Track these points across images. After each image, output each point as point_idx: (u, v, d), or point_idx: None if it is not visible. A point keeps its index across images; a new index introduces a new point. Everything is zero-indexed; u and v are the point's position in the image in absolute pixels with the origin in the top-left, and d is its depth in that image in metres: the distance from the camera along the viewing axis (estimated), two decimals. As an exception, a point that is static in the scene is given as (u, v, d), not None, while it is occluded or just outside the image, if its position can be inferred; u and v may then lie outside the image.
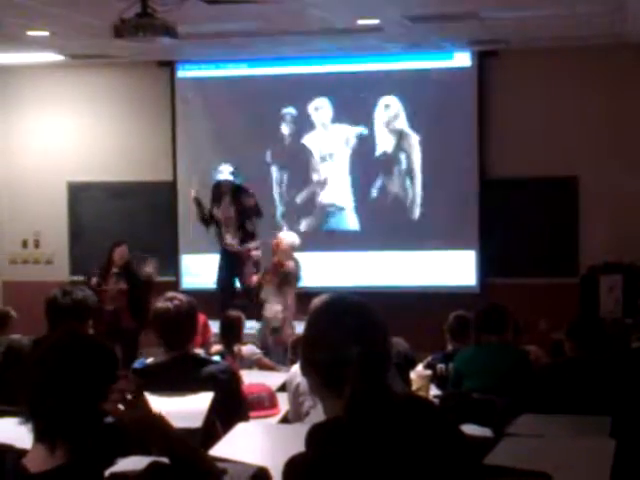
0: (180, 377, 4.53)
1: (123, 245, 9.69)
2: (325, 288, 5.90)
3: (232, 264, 10.03)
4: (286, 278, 9.09)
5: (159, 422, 2.57)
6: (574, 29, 9.37)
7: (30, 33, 9.12)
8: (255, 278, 9.56)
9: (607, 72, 10.59)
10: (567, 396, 4.59)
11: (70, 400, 2.32)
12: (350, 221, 11.26)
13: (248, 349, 7.28)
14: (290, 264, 9.16)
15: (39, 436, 2.32)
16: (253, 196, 10.03)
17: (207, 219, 10.14)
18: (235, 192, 9.99)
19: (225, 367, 4.84)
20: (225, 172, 10.03)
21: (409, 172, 11.11)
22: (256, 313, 9.51)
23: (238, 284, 10.16)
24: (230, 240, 9.97)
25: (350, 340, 2.28)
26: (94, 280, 9.41)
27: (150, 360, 5.08)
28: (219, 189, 10.06)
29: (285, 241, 9.25)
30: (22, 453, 2.33)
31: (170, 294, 4.88)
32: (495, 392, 5.40)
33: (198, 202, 10.08)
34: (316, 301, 2.47)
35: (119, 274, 9.58)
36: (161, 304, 4.72)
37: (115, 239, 9.87)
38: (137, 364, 5.24)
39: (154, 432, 2.51)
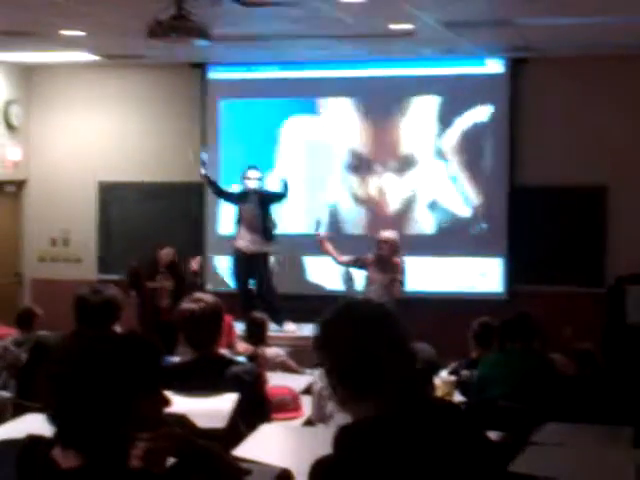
0: (205, 377, 4.54)
1: (166, 248, 9.88)
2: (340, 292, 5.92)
3: (246, 267, 10.11)
4: (400, 280, 9.25)
5: (182, 428, 2.54)
6: (608, 37, 9.32)
7: (64, 33, 9.18)
8: None
9: None
10: (593, 407, 4.57)
11: (86, 414, 2.18)
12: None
13: (272, 351, 7.29)
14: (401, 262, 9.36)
15: (55, 437, 2.23)
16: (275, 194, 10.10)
17: (222, 192, 10.35)
18: (263, 197, 10.05)
19: (249, 368, 4.86)
20: (253, 179, 10.06)
21: (439, 177, 11.10)
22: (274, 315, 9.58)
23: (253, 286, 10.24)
24: (249, 240, 10.00)
25: (384, 346, 2.30)
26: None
27: (176, 359, 5.10)
28: (245, 194, 10.09)
29: (396, 239, 9.35)
30: (53, 445, 2.23)
31: (196, 295, 4.89)
32: (519, 399, 5.39)
33: (208, 180, 10.25)
34: (334, 310, 2.45)
35: (165, 273, 9.75)
36: (187, 305, 4.75)
37: (143, 239, 10.00)
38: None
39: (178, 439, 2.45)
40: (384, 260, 9.27)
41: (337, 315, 2.41)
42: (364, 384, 2.29)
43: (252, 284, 10.21)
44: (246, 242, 10.03)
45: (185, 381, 4.47)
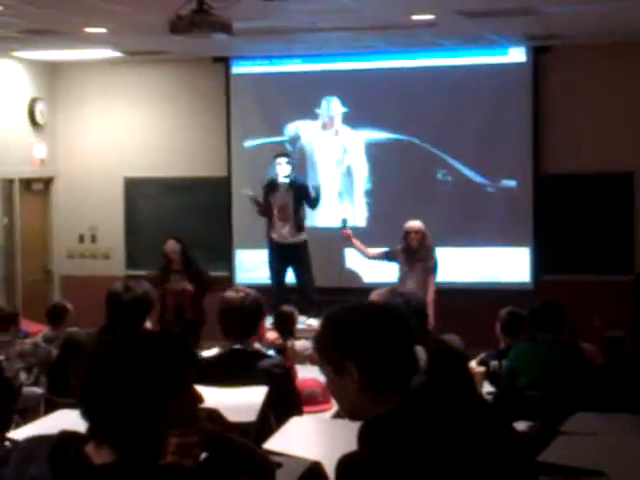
0: (235, 370, 4.57)
1: (170, 240, 9.76)
2: (375, 284, 5.91)
3: (283, 257, 10.07)
4: (433, 268, 9.36)
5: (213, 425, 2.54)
6: (631, 24, 9.27)
7: (88, 30, 9.22)
8: None
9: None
10: (627, 397, 4.54)
11: (121, 410, 2.19)
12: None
13: (301, 344, 7.30)
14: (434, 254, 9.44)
15: (89, 434, 2.24)
16: (311, 188, 10.05)
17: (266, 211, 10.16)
18: (295, 187, 10.02)
19: (279, 361, 4.88)
20: (283, 166, 10.00)
21: (463, 167, 11.07)
22: (311, 308, 9.56)
23: (293, 278, 10.20)
24: (282, 231, 9.97)
25: (402, 339, 2.30)
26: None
27: (207, 352, 5.14)
28: (275, 183, 10.07)
29: (423, 228, 9.38)
30: (86, 441, 2.24)
31: (240, 287, 4.95)
32: (549, 389, 5.37)
33: (255, 200, 10.10)
34: (342, 308, 2.41)
35: (180, 271, 9.67)
36: (230, 295, 4.79)
37: (170, 234, 9.96)
38: None
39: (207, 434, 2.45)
40: (414, 251, 9.29)
41: (350, 312, 2.39)
42: (389, 379, 2.28)
43: (288, 276, 10.18)
44: (280, 233, 9.99)
45: (217, 374, 4.51)
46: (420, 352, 2.70)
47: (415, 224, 9.46)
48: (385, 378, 2.28)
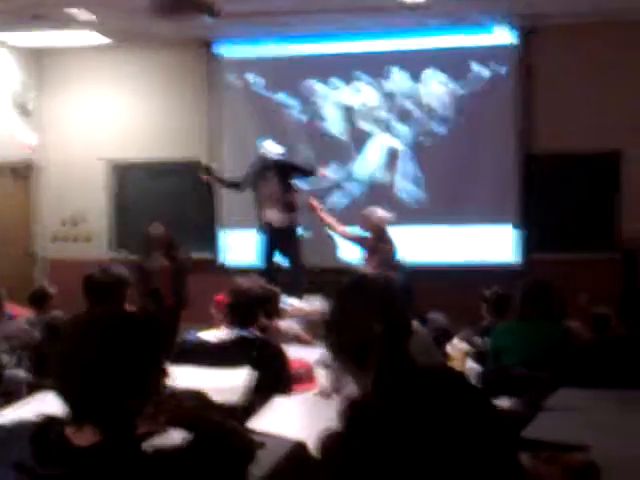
0: (232, 356, 4.63)
1: (154, 224, 9.74)
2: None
3: (274, 240, 10.05)
4: (388, 258, 9.13)
5: (194, 405, 2.56)
6: (617, 3, 9.25)
7: (72, 14, 9.15)
8: None
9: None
10: (611, 373, 4.55)
11: (101, 389, 2.20)
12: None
13: (286, 324, 7.29)
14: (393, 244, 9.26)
15: (69, 417, 2.25)
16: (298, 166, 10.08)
17: (236, 184, 10.22)
18: (281, 168, 9.98)
19: (274, 347, 4.93)
20: (269, 148, 10.00)
21: (450, 147, 11.04)
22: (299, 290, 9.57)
23: (280, 259, 10.19)
24: (272, 215, 9.95)
25: (373, 317, 2.31)
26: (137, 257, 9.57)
27: (201, 333, 5.16)
28: (264, 164, 10.03)
29: (386, 218, 9.25)
30: (66, 424, 2.25)
31: (253, 277, 5.08)
32: (535, 367, 5.37)
33: (209, 173, 10.22)
34: (338, 289, 2.51)
35: (161, 253, 9.64)
36: (238, 285, 4.97)
37: (155, 217, 9.95)
38: (189, 336, 5.32)
39: (187, 416, 2.47)
40: (371, 244, 9.20)
41: (337, 296, 2.46)
42: (359, 354, 2.30)
43: (279, 258, 10.18)
44: (271, 217, 9.95)
45: (211, 358, 4.55)
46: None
47: (368, 217, 9.34)
48: (354, 363, 2.32)
